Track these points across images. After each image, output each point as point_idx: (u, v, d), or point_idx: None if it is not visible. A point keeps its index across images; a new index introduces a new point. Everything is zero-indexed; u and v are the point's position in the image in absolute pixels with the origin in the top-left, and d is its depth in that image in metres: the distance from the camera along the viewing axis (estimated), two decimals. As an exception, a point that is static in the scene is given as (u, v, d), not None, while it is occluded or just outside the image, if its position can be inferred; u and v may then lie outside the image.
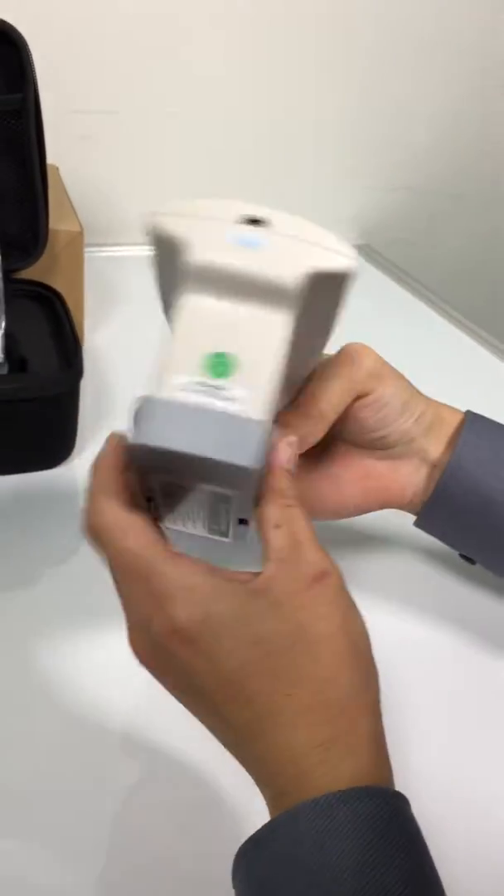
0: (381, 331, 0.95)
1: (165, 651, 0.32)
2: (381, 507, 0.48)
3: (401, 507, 0.48)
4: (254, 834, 0.31)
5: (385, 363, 0.44)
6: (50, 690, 0.46)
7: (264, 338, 0.33)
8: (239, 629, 0.31)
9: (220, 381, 0.33)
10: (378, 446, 0.46)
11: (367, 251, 1.18)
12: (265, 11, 1.03)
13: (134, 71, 1.01)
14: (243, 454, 0.32)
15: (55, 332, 0.66)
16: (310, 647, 0.31)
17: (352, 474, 0.47)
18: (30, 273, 0.70)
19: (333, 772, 0.30)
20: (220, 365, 0.33)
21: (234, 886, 0.31)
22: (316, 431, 0.42)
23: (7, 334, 0.62)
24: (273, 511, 0.34)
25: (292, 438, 0.36)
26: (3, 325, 0.63)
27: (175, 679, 0.33)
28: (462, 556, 0.51)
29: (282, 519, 0.34)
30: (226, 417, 0.32)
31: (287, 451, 0.36)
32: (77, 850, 0.39)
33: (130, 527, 0.33)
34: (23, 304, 0.68)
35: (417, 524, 0.49)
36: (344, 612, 0.33)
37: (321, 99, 1.12)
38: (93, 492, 0.34)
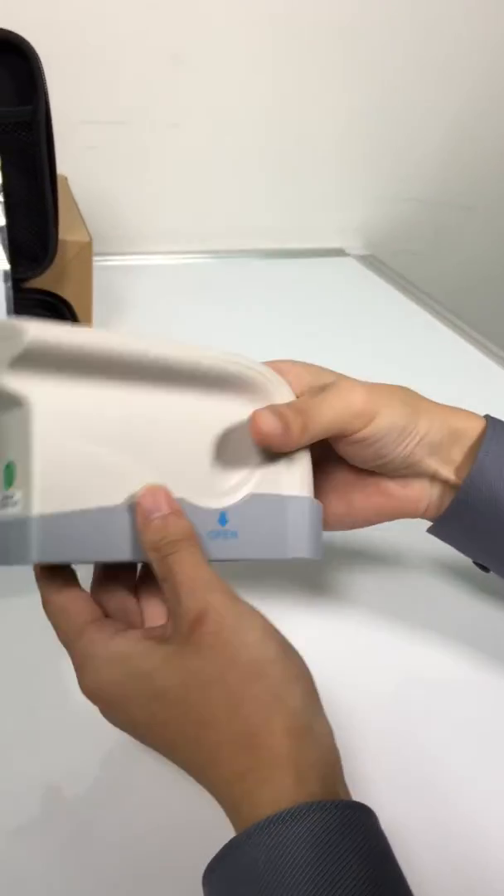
0: (387, 342, 0.96)
1: (98, 708, 0.36)
2: (395, 519, 0.48)
3: (415, 517, 0.48)
4: (217, 852, 0.31)
5: (379, 397, 0.44)
6: (51, 694, 0.46)
7: (21, 436, 0.36)
8: (136, 689, 0.34)
9: (9, 490, 0.36)
10: (382, 471, 0.46)
11: (371, 261, 1.19)
12: (272, 22, 1.04)
13: (140, 82, 1.02)
14: (24, 554, 0.35)
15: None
16: (203, 691, 0.33)
17: (362, 492, 0.47)
18: (39, 282, 0.70)
19: (254, 800, 0.31)
20: (7, 474, 0.37)
21: None
22: (296, 439, 0.42)
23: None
24: (155, 566, 0.36)
25: (154, 485, 0.38)
26: (13, 334, 0.63)
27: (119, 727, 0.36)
28: (476, 563, 0.51)
29: (161, 571, 0.36)
30: (6, 524, 0.36)
31: (149, 498, 0.37)
32: (76, 852, 0.39)
33: (60, 606, 0.37)
34: (33, 313, 0.68)
35: (432, 532, 0.49)
36: (232, 644, 0.33)
37: (329, 108, 1.13)
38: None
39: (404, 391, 0.46)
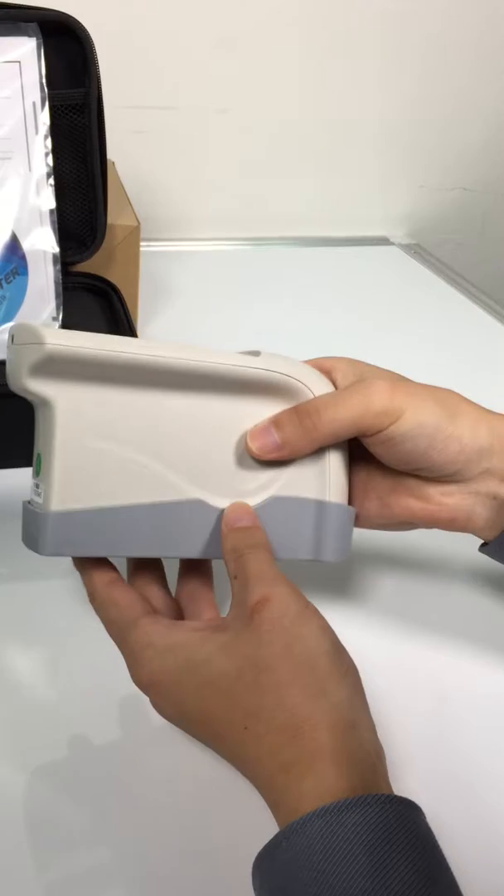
0: (431, 332, 0.95)
1: (151, 699, 0.37)
2: (432, 528, 0.44)
3: (456, 531, 0.44)
4: (270, 840, 0.32)
5: (407, 394, 0.40)
6: (56, 682, 0.47)
7: (46, 433, 0.37)
8: (190, 677, 0.35)
9: (38, 479, 0.38)
10: (418, 476, 0.42)
11: (416, 250, 1.18)
12: (322, 8, 1.03)
13: (188, 67, 1.02)
14: (38, 545, 0.37)
15: (111, 324, 0.67)
16: (255, 677, 0.34)
17: (397, 492, 0.43)
18: (87, 266, 0.70)
19: (296, 793, 0.31)
20: (38, 464, 0.38)
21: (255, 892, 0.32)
22: (302, 445, 0.41)
23: (64, 326, 0.63)
24: (230, 565, 0.38)
25: (240, 502, 0.40)
26: (60, 316, 0.64)
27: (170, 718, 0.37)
28: None
29: (235, 568, 0.38)
30: (32, 514, 0.38)
31: (234, 512, 0.40)
32: (96, 851, 0.39)
33: (110, 599, 0.38)
34: (80, 296, 0.69)
35: (487, 552, 0.44)
36: (289, 633, 0.34)
37: (375, 96, 1.12)
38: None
39: (444, 392, 0.42)
